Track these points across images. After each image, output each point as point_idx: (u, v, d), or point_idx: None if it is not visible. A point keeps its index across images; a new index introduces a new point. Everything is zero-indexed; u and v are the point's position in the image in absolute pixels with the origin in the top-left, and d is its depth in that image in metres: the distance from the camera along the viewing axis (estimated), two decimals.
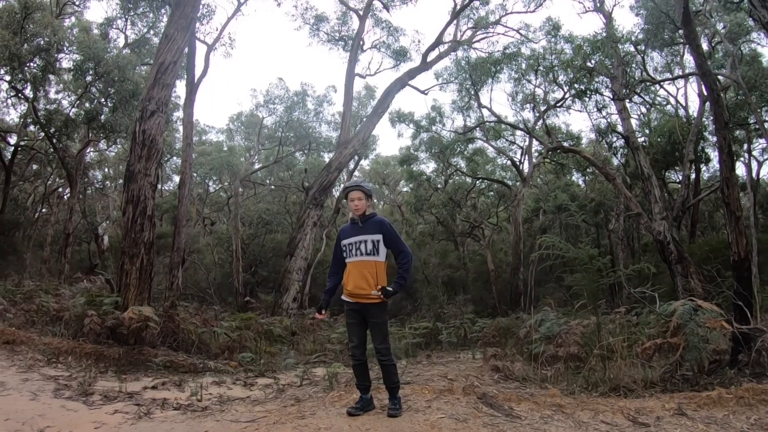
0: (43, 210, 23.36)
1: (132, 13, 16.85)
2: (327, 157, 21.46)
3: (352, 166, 22.34)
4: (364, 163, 27.55)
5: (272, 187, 26.33)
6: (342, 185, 19.58)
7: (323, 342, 8.50)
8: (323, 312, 4.10)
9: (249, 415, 4.08)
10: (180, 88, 19.91)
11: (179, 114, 16.69)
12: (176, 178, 23.00)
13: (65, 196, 23.41)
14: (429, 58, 17.52)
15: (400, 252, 3.81)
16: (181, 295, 12.13)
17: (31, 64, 14.14)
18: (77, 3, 17.33)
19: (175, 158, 22.09)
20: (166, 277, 12.60)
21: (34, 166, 21.82)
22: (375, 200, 29.17)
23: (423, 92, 18.58)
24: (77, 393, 4.87)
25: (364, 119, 18.26)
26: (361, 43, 17.26)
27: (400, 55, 18.44)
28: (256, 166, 24.60)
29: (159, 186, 15.95)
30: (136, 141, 7.54)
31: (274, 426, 3.68)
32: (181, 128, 15.99)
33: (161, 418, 4.10)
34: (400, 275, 3.77)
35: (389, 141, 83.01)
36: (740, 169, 16.41)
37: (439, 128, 21.24)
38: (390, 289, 3.72)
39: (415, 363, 7.18)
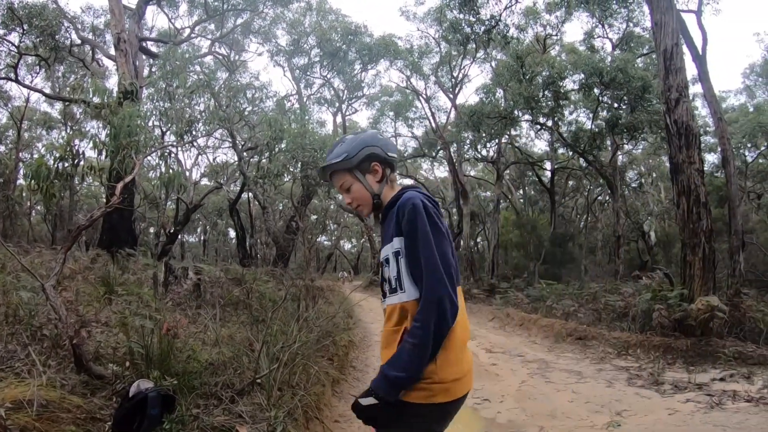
0: (588, 218, 26.49)
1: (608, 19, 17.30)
2: None
3: None
4: None
5: None
6: None
7: None
8: None
9: None
10: (687, 65, 18.30)
11: (692, 90, 15.34)
12: (708, 157, 20.75)
13: (606, 203, 25.89)
14: None
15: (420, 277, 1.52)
16: (744, 281, 10.89)
17: (543, 99, 16.66)
18: (554, 34, 19.30)
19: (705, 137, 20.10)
20: (725, 264, 11.63)
21: (570, 182, 25.41)
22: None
23: None
24: (648, 382, 5.39)
25: None
26: None
27: None
28: None
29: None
30: (671, 132, 7.69)
31: None
32: (699, 105, 14.49)
33: (733, 409, 4.03)
34: (399, 351, 1.50)
35: None
36: None
37: None
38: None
39: None
